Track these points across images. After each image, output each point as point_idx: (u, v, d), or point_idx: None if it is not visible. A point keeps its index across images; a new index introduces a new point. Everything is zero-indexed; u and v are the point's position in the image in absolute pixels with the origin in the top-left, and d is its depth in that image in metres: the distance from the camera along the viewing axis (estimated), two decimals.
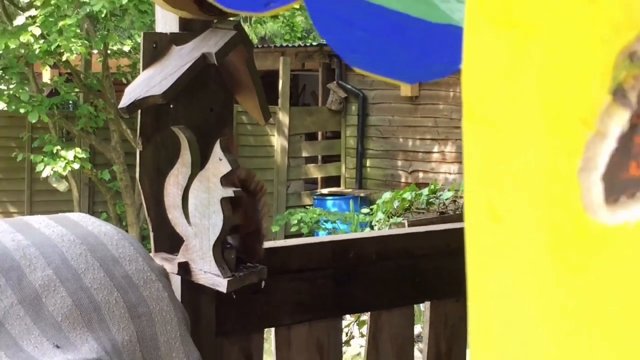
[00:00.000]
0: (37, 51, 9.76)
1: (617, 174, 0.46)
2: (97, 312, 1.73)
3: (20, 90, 10.47)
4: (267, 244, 1.95)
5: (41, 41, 9.69)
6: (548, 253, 0.51)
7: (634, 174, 0.46)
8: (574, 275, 0.49)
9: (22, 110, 10.34)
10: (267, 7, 1.26)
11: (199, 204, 1.81)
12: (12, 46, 9.73)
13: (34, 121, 10.48)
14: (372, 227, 9.78)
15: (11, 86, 10.57)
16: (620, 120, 0.46)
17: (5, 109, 10.58)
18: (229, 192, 1.75)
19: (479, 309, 0.55)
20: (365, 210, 10.82)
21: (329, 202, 11.93)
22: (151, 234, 1.97)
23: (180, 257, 1.88)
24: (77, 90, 11.11)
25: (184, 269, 1.86)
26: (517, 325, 0.53)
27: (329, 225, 11.01)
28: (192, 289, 1.91)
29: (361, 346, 6.15)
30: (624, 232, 0.47)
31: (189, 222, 1.85)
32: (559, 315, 0.50)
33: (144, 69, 1.85)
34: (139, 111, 1.83)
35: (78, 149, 10.59)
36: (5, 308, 1.66)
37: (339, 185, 13.27)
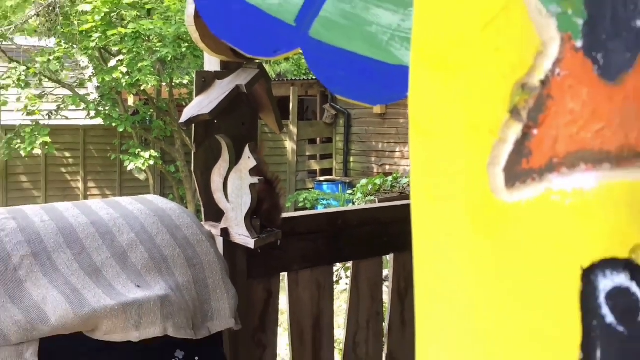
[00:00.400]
0: (124, 84, 9.72)
1: (513, 167, 0.46)
2: (165, 263, 1.72)
3: (113, 111, 10.45)
4: (282, 215, 1.95)
5: (127, 77, 9.66)
6: (468, 222, 0.51)
7: (524, 167, 0.45)
8: (485, 237, 0.49)
9: (114, 124, 10.33)
10: (276, 53, 1.25)
11: (234, 188, 1.81)
12: (107, 80, 9.71)
13: (121, 130, 10.48)
14: (353, 203, 9.77)
15: (106, 108, 10.54)
16: (515, 130, 0.46)
17: (102, 123, 10.58)
18: (255, 180, 1.75)
19: (420, 260, 0.55)
20: (349, 191, 10.81)
21: (325, 186, 11.91)
22: (202, 209, 1.97)
23: (222, 224, 1.87)
24: (151, 110, 11.07)
25: (225, 233, 1.86)
26: (447, 271, 0.53)
27: (324, 202, 11.00)
28: (231, 246, 1.91)
29: (346, 284, 6.15)
30: (518, 208, 0.47)
31: (228, 200, 1.84)
32: (476, 265, 0.50)
33: (196, 95, 1.85)
34: (193, 125, 1.82)
35: (152, 151, 10.56)
36: (102, 260, 1.66)
37: (331, 174, 13.25)
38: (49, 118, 10.47)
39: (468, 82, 0.48)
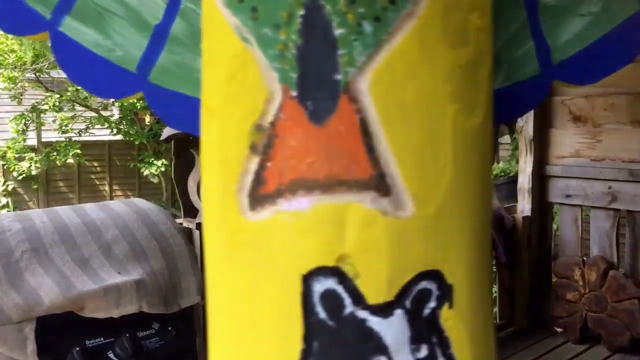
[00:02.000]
0: (138, 107, 9.63)
1: (255, 193, 0.45)
2: (143, 253, 1.70)
3: (131, 128, 10.35)
4: None
5: (140, 101, 9.56)
6: (223, 237, 0.49)
7: (262, 193, 0.45)
8: (235, 249, 0.48)
9: (132, 139, 10.24)
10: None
11: None
12: (125, 104, 9.61)
13: (138, 144, 10.39)
14: None
15: (126, 126, 10.45)
16: (254, 163, 0.45)
17: (123, 138, 10.49)
18: None
19: (206, 266, 0.55)
20: None
21: None
22: (181, 208, 1.96)
23: (197, 220, 1.87)
24: (163, 127, 10.97)
25: (199, 227, 1.85)
26: (214, 273, 0.51)
27: None
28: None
29: None
30: (258, 226, 0.46)
31: (201, 201, 1.84)
32: (229, 271, 0.49)
33: None
34: (173, 141, 1.81)
35: (163, 160, 10.48)
36: (90, 252, 1.64)
37: None
38: (80, 135, 10.34)
39: (222, 123, 0.47)
